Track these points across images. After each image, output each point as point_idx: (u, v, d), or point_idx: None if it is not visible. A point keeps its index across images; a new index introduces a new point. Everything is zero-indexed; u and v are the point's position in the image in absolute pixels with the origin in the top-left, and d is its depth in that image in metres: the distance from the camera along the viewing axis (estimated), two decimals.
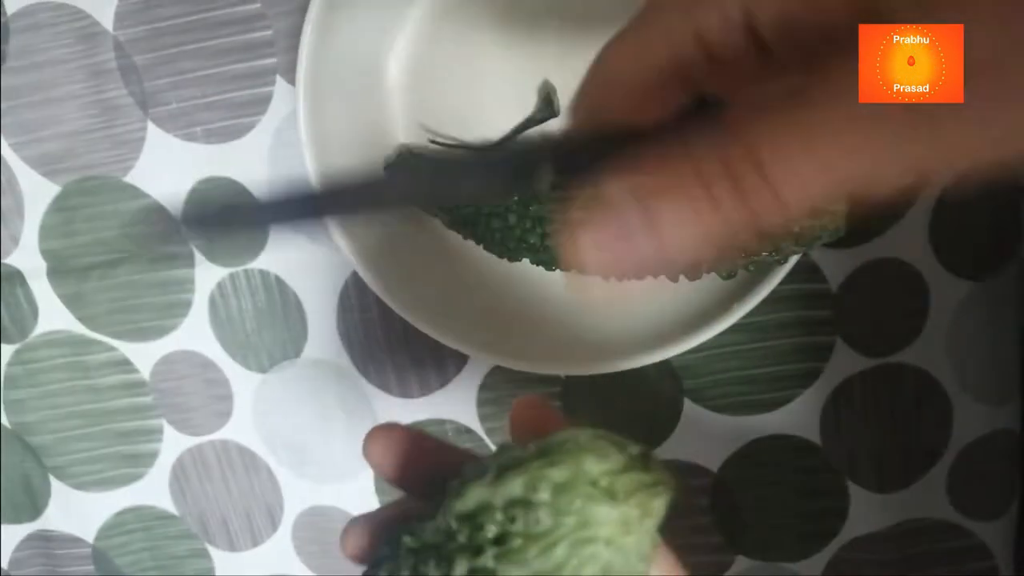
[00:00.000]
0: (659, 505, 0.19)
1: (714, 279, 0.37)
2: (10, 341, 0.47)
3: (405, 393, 0.45)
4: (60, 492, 0.50)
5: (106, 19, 0.41)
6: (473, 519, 0.19)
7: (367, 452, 0.24)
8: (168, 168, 0.43)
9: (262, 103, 0.41)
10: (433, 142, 0.40)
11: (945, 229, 0.39)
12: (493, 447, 0.39)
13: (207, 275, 0.44)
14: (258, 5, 0.40)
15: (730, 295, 0.36)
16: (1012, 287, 0.40)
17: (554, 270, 0.40)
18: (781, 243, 0.34)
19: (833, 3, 0.16)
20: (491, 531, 0.19)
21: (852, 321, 0.40)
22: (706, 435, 0.43)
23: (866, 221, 0.38)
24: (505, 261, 0.40)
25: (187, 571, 0.50)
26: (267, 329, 0.45)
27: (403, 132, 0.40)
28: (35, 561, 0.51)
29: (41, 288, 0.46)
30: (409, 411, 0.45)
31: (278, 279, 0.44)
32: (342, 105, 0.38)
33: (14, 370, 0.48)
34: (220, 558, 0.50)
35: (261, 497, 0.48)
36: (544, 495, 0.18)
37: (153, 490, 0.49)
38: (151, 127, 0.42)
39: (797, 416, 0.42)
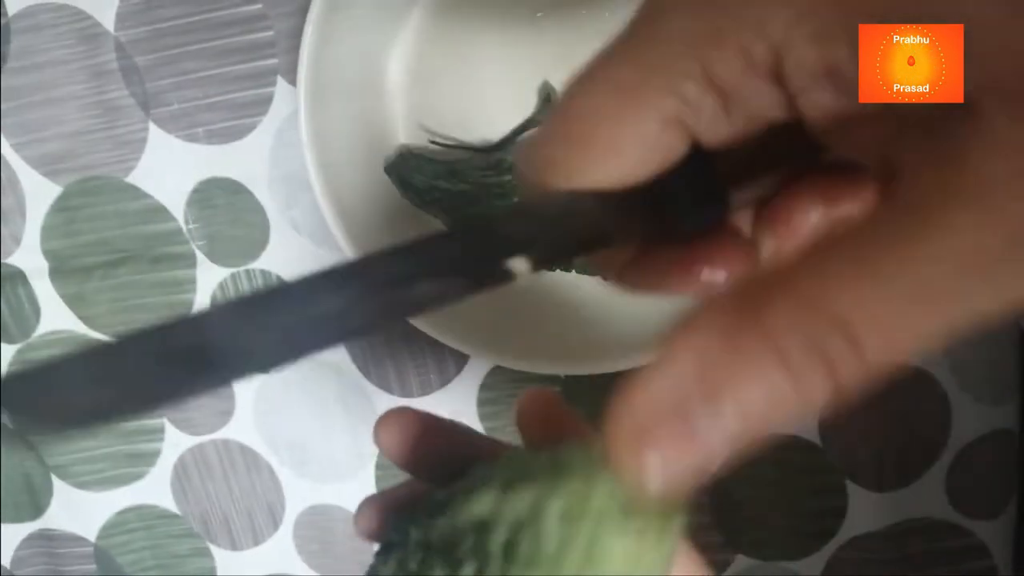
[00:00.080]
0: (672, 533, 0.17)
1: None
2: (12, 341, 0.47)
3: (406, 392, 0.45)
4: (62, 491, 0.50)
5: (107, 20, 0.41)
6: (479, 530, 0.18)
7: (377, 437, 0.24)
8: (170, 169, 0.43)
9: (263, 104, 0.41)
10: (433, 142, 0.40)
11: None
12: None
13: (209, 275, 0.44)
14: (259, 6, 0.40)
15: None
16: None
17: (555, 270, 0.40)
18: None
19: None
20: (496, 544, 0.18)
21: None
22: None
23: None
24: None
25: (189, 570, 0.50)
26: None
27: (403, 132, 0.40)
28: (37, 560, 0.51)
29: (43, 288, 0.46)
30: None
31: (279, 279, 0.44)
32: (343, 105, 0.38)
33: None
34: (222, 557, 0.50)
35: (262, 496, 0.48)
36: (551, 519, 0.17)
37: (155, 489, 0.49)
38: (152, 128, 0.42)
39: None
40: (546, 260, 0.16)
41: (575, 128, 0.16)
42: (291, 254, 0.43)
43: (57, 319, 0.46)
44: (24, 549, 0.51)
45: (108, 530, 0.50)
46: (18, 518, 0.51)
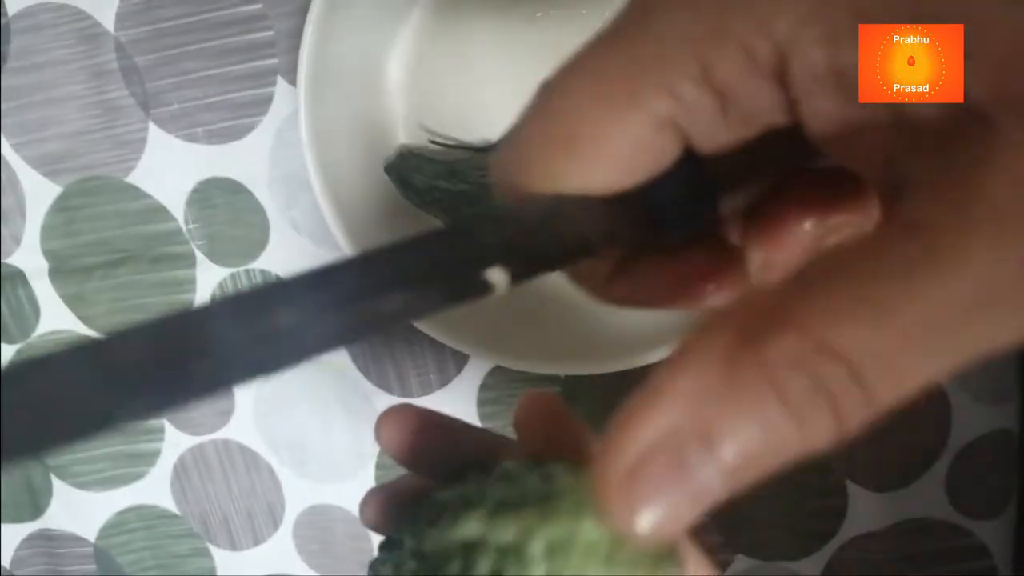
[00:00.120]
0: (664, 571, 0.17)
1: None
2: (11, 341, 0.47)
3: (405, 392, 0.45)
4: (62, 491, 0.50)
5: (107, 20, 0.41)
6: (467, 553, 0.18)
7: (379, 434, 0.24)
8: (170, 169, 0.43)
9: (263, 104, 0.41)
10: (433, 142, 0.40)
11: None
12: None
13: (208, 275, 0.44)
14: (259, 6, 0.40)
15: None
16: None
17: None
18: None
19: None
20: (483, 569, 0.17)
21: None
22: None
23: None
24: None
25: (189, 570, 0.50)
26: None
27: (403, 132, 0.41)
28: (37, 560, 0.51)
29: (43, 288, 0.46)
30: None
31: (279, 279, 0.44)
32: (343, 105, 0.38)
33: None
34: (221, 557, 0.50)
35: (262, 496, 0.48)
36: (537, 552, 0.16)
37: (155, 489, 0.49)
38: (152, 128, 0.42)
39: None
40: (526, 271, 0.15)
41: (558, 127, 0.15)
42: (291, 254, 0.43)
43: (57, 319, 0.46)
44: (24, 549, 0.51)
45: (108, 530, 0.50)
46: (18, 518, 0.51)
